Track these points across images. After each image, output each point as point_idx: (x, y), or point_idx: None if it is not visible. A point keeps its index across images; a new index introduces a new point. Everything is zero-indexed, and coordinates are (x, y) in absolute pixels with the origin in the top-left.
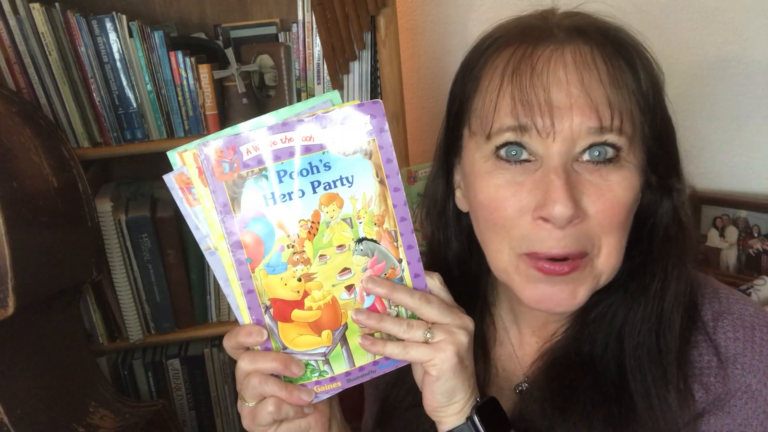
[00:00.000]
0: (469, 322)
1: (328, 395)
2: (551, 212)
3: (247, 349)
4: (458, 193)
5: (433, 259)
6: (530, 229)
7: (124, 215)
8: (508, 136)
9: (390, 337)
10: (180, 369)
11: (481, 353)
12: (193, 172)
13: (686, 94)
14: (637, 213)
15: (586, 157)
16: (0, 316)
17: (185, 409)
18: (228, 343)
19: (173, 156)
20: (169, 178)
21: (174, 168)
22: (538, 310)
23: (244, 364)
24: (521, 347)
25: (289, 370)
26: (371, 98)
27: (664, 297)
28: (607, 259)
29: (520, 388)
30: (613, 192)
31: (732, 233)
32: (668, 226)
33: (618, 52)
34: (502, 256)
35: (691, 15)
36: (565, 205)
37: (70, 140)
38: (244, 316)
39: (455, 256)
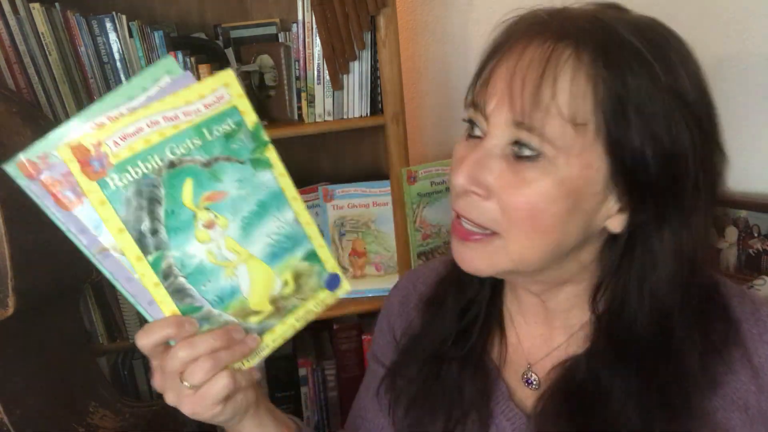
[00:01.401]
0: None
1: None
2: (451, 178)
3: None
4: None
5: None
6: (455, 193)
7: None
8: (471, 113)
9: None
10: None
11: (499, 332)
12: (74, 167)
13: None
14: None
15: (513, 149)
16: (0, 316)
17: None
18: (148, 341)
19: (13, 168)
20: (35, 186)
21: (18, 181)
22: (461, 268)
23: (184, 354)
24: (527, 336)
25: (233, 340)
26: (371, 98)
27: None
28: (516, 247)
29: (527, 376)
30: (521, 187)
31: (732, 233)
32: (643, 264)
33: (585, 55)
34: (452, 214)
35: (691, 15)
36: (458, 176)
37: None
38: (164, 307)
39: None
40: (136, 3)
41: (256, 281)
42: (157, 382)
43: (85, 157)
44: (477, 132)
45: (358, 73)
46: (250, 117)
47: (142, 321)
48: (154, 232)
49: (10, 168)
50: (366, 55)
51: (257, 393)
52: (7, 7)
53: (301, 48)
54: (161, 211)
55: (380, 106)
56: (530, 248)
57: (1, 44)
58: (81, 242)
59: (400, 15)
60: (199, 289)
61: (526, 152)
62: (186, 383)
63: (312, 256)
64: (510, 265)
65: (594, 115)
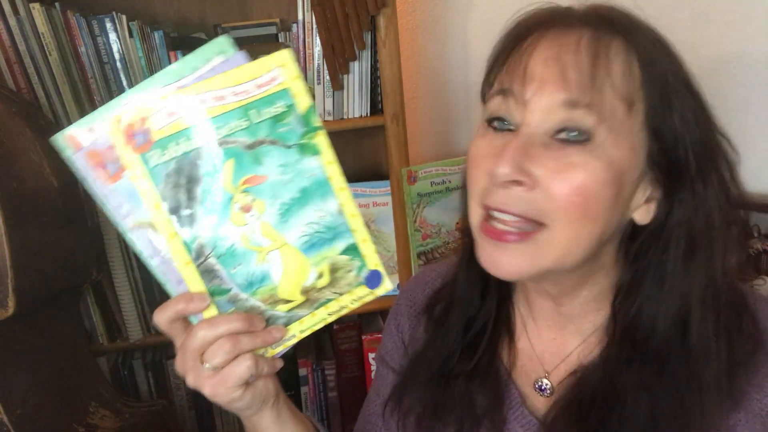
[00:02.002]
0: None
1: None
2: (491, 169)
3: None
4: None
5: (466, 236)
6: (489, 184)
7: None
8: (496, 104)
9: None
10: None
11: (507, 339)
12: (119, 140)
13: None
14: (654, 222)
15: (560, 136)
16: (0, 316)
17: (185, 409)
18: (162, 316)
19: (60, 140)
20: (79, 159)
21: (64, 153)
22: (490, 273)
23: (204, 333)
24: (539, 341)
25: (253, 326)
26: (371, 98)
27: (688, 314)
28: (561, 237)
29: (540, 383)
30: (571, 173)
31: None
32: (678, 237)
33: (616, 41)
34: (473, 215)
35: (691, 15)
36: (503, 165)
37: None
38: (192, 286)
39: None
40: (136, 3)
41: (288, 270)
42: (179, 364)
43: (129, 131)
44: (507, 125)
45: (358, 73)
46: (303, 100)
47: (142, 321)
48: (190, 210)
49: (58, 140)
50: (366, 55)
51: (278, 385)
52: (7, 7)
53: (301, 48)
54: (199, 191)
55: (380, 106)
56: (576, 239)
57: (1, 44)
58: (116, 216)
59: (400, 15)
60: (229, 271)
61: (575, 136)
62: (207, 365)
63: (353, 250)
64: (552, 263)
65: (641, 96)
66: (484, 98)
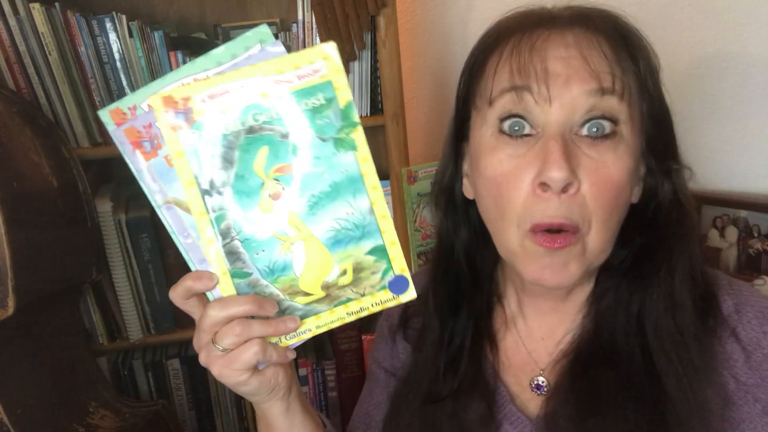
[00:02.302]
0: None
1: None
2: (549, 175)
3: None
4: (465, 181)
5: (440, 249)
6: (531, 199)
7: (124, 215)
8: (508, 101)
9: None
10: (180, 369)
11: (489, 344)
12: (161, 116)
13: (686, 94)
14: (640, 201)
15: (584, 131)
16: (0, 316)
17: (185, 409)
18: (174, 293)
19: (106, 114)
20: (120, 134)
21: (108, 127)
22: (537, 285)
23: (214, 312)
24: (531, 339)
25: (264, 310)
26: (371, 98)
27: (674, 276)
28: (597, 237)
29: (536, 382)
30: (607, 169)
31: (732, 233)
32: (669, 207)
33: (618, 37)
34: (510, 236)
35: (691, 15)
36: (561, 168)
37: (70, 140)
38: (214, 265)
39: (463, 245)
40: (136, 3)
41: (311, 262)
42: (195, 340)
43: (172, 108)
44: (526, 130)
45: (358, 73)
46: (344, 94)
47: (142, 321)
48: (222, 191)
49: (104, 114)
50: (366, 55)
51: (291, 378)
52: (7, 7)
53: (301, 48)
54: (232, 173)
55: (380, 106)
56: (612, 232)
57: (1, 44)
58: (149, 192)
59: (400, 15)
60: (252, 256)
61: (602, 128)
62: (218, 346)
63: (380, 252)
64: (595, 260)
65: (645, 86)
66: (468, 102)
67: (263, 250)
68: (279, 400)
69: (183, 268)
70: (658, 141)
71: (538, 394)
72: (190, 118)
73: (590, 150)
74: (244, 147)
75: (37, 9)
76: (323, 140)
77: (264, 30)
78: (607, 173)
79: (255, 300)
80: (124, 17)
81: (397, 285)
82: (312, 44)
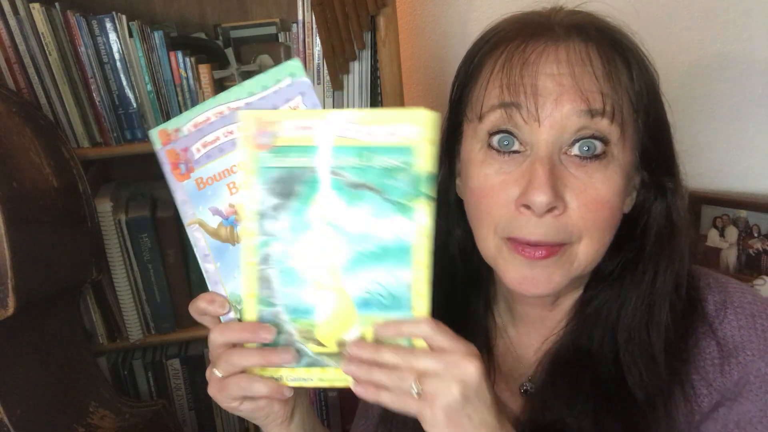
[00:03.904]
0: (474, 356)
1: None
2: (531, 199)
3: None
4: (458, 181)
5: (436, 249)
6: (513, 216)
7: (124, 215)
8: (497, 118)
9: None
10: (180, 369)
11: (484, 349)
12: (248, 132)
13: (686, 94)
14: (632, 210)
15: (574, 151)
16: (0, 316)
17: (185, 409)
18: (191, 309)
19: (155, 135)
20: (162, 154)
21: (155, 146)
22: (519, 292)
23: (215, 337)
24: (520, 345)
25: (259, 336)
26: (371, 98)
27: (653, 291)
28: (585, 250)
29: (524, 388)
30: (596, 190)
31: (732, 233)
32: (660, 225)
33: (614, 50)
34: (488, 243)
35: (691, 15)
36: (545, 193)
37: (70, 140)
38: (245, 286)
39: (458, 245)
40: (136, 3)
41: (334, 315)
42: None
43: (259, 128)
44: (515, 146)
45: (358, 73)
46: (426, 164)
47: (142, 321)
48: (275, 219)
49: (154, 134)
50: (366, 55)
51: (291, 407)
52: (7, 7)
53: (301, 48)
54: (291, 205)
55: (380, 106)
56: (599, 247)
57: (1, 44)
58: (180, 209)
59: (400, 15)
60: (282, 289)
61: (591, 149)
62: (215, 371)
63: None
64: (580, 271)
65: (640, 101)
66: (460, 108)
67: (293, 287)
68: (277, 426)
69: (183, 268)
70: (652, 155)
71: (527, 398)
72: (273, 143)
73: (579, 171)
74: (311, 184)
75: (37, 9)
76: (387, 201)
77: (294, 64)
78: (596, 194)
79: (250, 327)
80: (124, 17)
81: None
82: (312, 44)
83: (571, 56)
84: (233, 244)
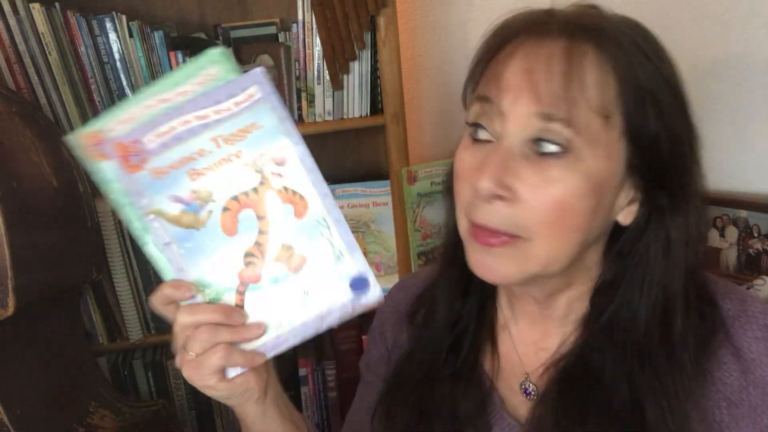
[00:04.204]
0: None
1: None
2: (476, 184)
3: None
4: None
5: (448, 235)
6: (472, 200)
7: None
8: (477, 109)
9: None
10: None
11: (490, 343)
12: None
13: (686, 94)
14: (635, 224)
15: (538, 147)
16: (0, 316)
17: (185, 409)
18: (154, 299)
19: (74, 139)
20: (109, 147)
21: (77, 150)
22: (480, 277)
23: (183, 318)
24: (520, 342)
25: (231, 319)
26: (371, 98)
27: (666, 303)
28: (541, 248)
29: (525, 386)
30: (550, 188)
31: (732, 233)
32: (655, 242)
33: (592, 50)
34: (461, 225)
35: (691, 15)
36: (487, 180)
37: None
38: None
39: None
40: (136, 3)
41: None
42: (173, 346)
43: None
44: (483, 136)
45: (358, 73)
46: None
47: (142, 321)
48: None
49: (73, 139)
50: (366, 55)
51: (266, 383)
52: (7, 7)
53: (301, 48)
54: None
55: (380, 106)
56: (559, 249)
57: (1, 44)
58: (133, 204)
59: (400, 15)
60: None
61: (551, 148)
62: (189, 351)
63: None
64: (539, 269)
65: (617, 106)
66: (466, 103)
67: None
68: (254, 404)
69: None
70: (641, 167)
71: (527, 398)
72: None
73: (535, 166)
74: None
75: (37, 9)
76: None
77: (216, 51)
78: (548, 192)
79: (223, 309)
80: (124, 17)
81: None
82: (312, 44)
83: (544, 53)
84: (197, 229)
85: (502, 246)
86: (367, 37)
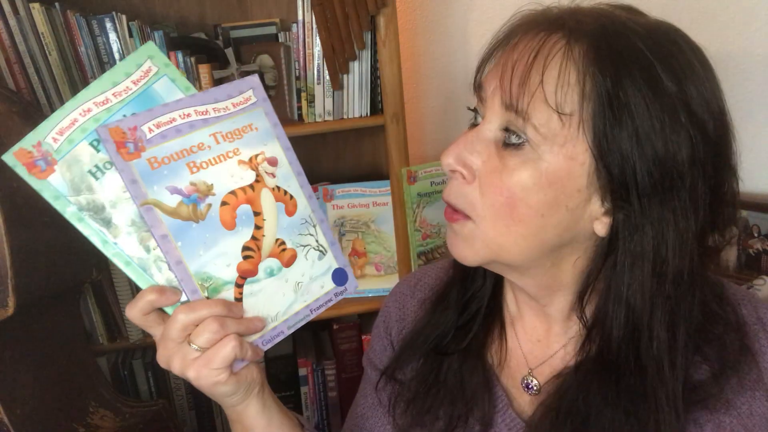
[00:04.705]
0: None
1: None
2: (442, 158)
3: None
4: None
5: None
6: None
7: None
8: (476, 97)
9: None
10: None
11: (497, 335)
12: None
13: None
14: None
15: (503, 135)
16: (0, 316)
17: (185, 409)
18: (134, 309)
19: (10, 158)
20: (103, 131)
21: (16, 168)
22: (453, 256)
23: (183, 316)
24: (525, 339)
25: (233, 312)
26: (371, 98)
27: (674, 306)
28: (487, 232)
29: (526, 381)
30: (503, 174)
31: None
32: (625, 254)
33: (576, 50)
34: None
35: (692, 15)
36: (449, 155)
37: None
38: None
39: None
40: (136, 3)
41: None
42: (161, 354)
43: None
44: (478, 120)
45: (358, 73)
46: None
47: None
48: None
49: (9, 158)
50: (366, 55)
51: (262, 376)
52: (7, 7)
53: (301, 48)
54: None
55: (380, 106)
56: (506, 236)
57: (1, 44)
58: (129, 191)
59: (400, 15)
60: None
61: (513, 139)
62: (194, 345)
63: None
64: (489, 253)
65: (580, 107)
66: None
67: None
68: (255, 397)
69: None
70: (608, 178)
71: (528, 393)
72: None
73: (499, 153)
74: None
75: (37, 9)
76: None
77: (150, 46)
78: (499, 179)
79: (224, 303)
80: (124, 17)
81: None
82: (312, 44)
83: (540, 47)
84: (197, 222)
85: (456, 223)
86: (367, 37)
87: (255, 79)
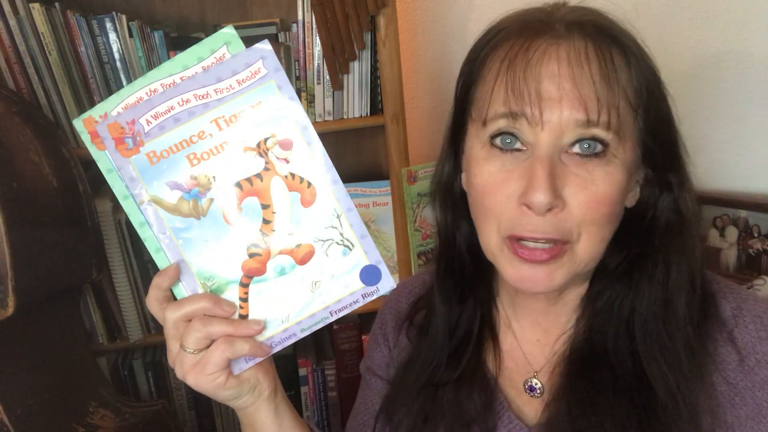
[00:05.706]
0: None
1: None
2: (531, 199)
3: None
4: (463, 176)
5: (442, 243)
6: (515, 213)
7: (125, 215)
8: (501, 123)
9: None
10: None
11: (491, 341)
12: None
13: (686, 93)
14: (637, 205)
15: (575, 149)
16: (0, 316)
17: (185, 409)
18: (151, 298)
19: (79, 124)
20: (102, 128)
21: (82, 136)
22: (519, 289)
23: (170, 314)
24: (524, 340)
25: (221, 309)
26: (371, 98)
27: (667, 285)
28: (586, 247)
29: (530, 384)
30: (596, 186)
31: (732, 233)
32: (668, 218)
33: (613, 48)
34: (491, 239)
35: (691, 14)
36: (544, 194)
37: (70, 140)
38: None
39: (465, 237)
40: (136, 3)
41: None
42: (169, 358)
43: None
44: (517, 145)
45: (358, 73)
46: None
47: (142, 321)
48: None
49: (78, 123)
50: (366, 55)
51: (274, 378)
52: (7, 7)
53: (301, 48)
54: None
55: (380, 106)
56: (600, 244)
57: (1, 44)
58: (128, 188)
59: (400, 15)
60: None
61: (597, 148)
62: (188, 350)
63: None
64: (581, 269)
65: (639, 98)
66: (465, 106)
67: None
68: (265, 401)
69: None
70: (654, 152)
71: (532, 396)
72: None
73: (579, 168)
74: None
75: (37, 9)
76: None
77: (228, 32)
78: (596, 190)
79: (209, 297)
80: (124, 17)
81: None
82: (312, 44)
83: (572, 56)
84: (198, 218)
85: (550, 260)
86: (367, 37)
87: (265, 46)
